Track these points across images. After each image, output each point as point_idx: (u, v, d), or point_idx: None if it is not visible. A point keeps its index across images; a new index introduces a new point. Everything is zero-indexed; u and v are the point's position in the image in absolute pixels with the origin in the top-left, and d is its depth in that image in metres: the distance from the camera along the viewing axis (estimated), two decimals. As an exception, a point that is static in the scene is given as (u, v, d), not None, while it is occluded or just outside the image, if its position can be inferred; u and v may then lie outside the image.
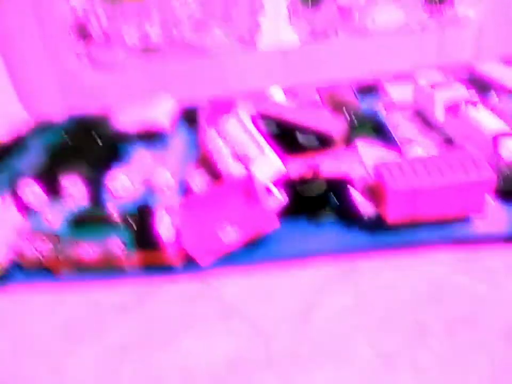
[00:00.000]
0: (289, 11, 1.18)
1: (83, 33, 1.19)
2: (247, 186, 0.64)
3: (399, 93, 1.12)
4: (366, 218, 0.60)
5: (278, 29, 1.21)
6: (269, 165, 0.65)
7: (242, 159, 0.66)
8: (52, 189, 0.77)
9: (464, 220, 0.60)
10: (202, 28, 1.20)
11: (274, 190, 0.63)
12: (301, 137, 0.73)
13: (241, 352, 0.51)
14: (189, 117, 1.04)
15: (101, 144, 0.88)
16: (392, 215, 0.59)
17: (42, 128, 1.05)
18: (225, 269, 0.62)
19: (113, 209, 0.61)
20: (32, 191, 0.77)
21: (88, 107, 1.24)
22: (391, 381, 0.46)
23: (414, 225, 0.60)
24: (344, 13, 1.20)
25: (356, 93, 1.07)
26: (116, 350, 0.54)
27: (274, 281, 0.61)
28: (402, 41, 1.24)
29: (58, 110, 1.28)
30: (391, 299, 0.56)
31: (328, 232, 0.63)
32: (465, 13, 1.22)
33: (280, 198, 0.62)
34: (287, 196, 0.63)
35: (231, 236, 0.59)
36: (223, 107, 1.11)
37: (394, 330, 0.51)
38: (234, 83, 1.27)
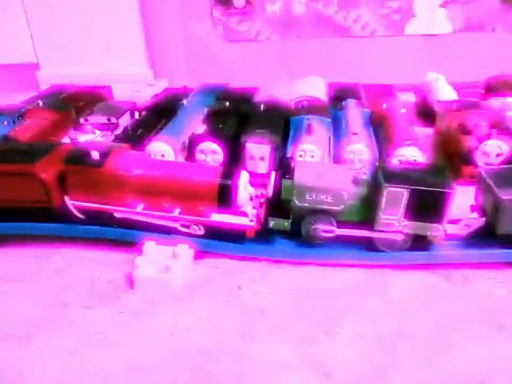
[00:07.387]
0: (445, -4, 1.09)
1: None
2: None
3: None
4: None
5: (432, 13, 1.11)
6: None
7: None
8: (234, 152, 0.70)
9: None
10: (349, 5, 1.12)
11: None
12: None
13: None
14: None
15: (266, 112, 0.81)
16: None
17: (186, 94, 0.98)
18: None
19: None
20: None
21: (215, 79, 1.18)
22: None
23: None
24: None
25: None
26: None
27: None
28: None
29: (184, 77, 1.22)
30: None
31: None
32: None
33: None
34: None
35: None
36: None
37: None
38: (372, 68, 1.18)
